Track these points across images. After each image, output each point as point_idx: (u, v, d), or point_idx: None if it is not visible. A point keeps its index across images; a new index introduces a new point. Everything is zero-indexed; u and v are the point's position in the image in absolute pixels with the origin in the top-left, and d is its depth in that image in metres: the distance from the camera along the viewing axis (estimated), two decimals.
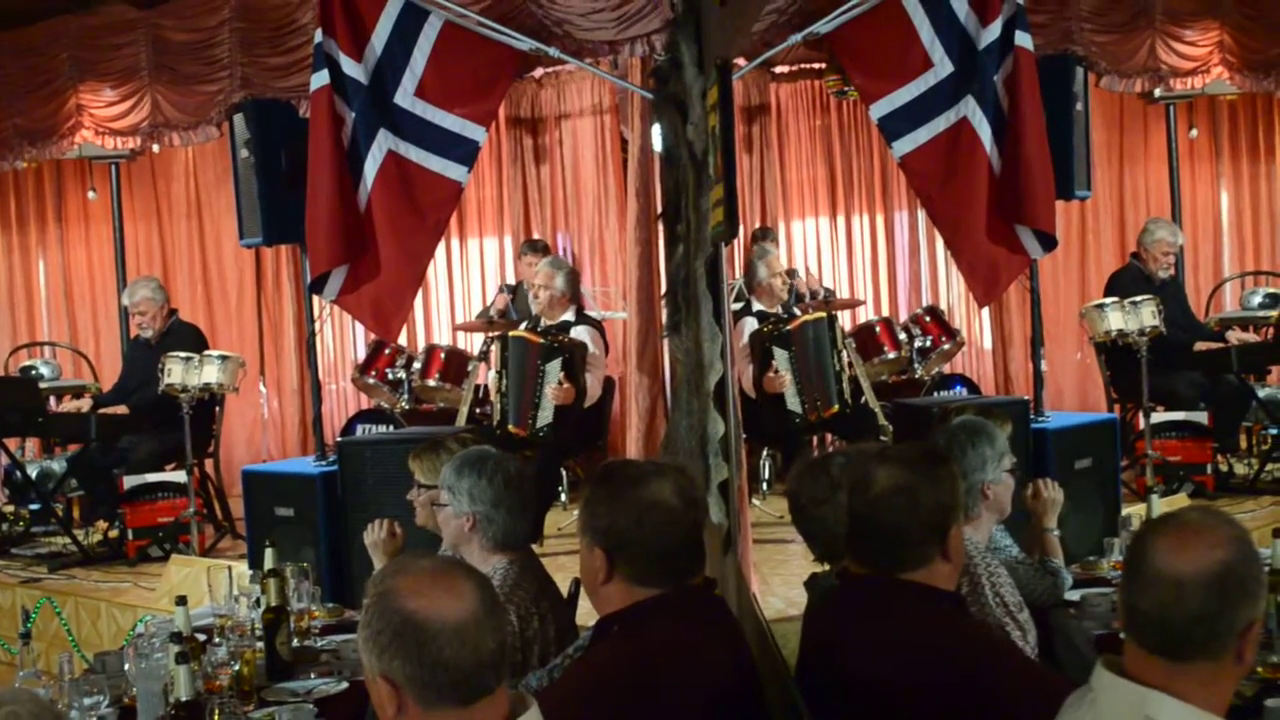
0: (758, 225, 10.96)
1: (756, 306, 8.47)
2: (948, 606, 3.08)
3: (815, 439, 8.54)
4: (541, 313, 8.40)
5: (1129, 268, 9.06)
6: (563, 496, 8.68)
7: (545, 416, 7.88)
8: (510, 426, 7.84)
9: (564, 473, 8.72)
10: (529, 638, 3.79)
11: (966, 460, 3.99)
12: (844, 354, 8.04)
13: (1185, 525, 2.40)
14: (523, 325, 8.55)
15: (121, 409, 8.61)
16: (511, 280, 10.56)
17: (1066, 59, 7.89)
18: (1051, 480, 4.72)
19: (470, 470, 4.05)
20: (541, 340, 8.04)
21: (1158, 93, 9.86)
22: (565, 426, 7.98)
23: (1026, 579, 4.35)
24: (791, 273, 10.19)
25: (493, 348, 8.26)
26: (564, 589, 4.42)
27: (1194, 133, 11.21)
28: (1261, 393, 9.12)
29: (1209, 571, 2.29)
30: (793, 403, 7.94)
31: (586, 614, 3.59)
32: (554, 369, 7.90)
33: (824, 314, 8.21)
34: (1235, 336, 9.00)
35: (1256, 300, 10.42)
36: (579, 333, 8.26)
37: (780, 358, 8.01)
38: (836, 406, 7.90)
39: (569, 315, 8.37)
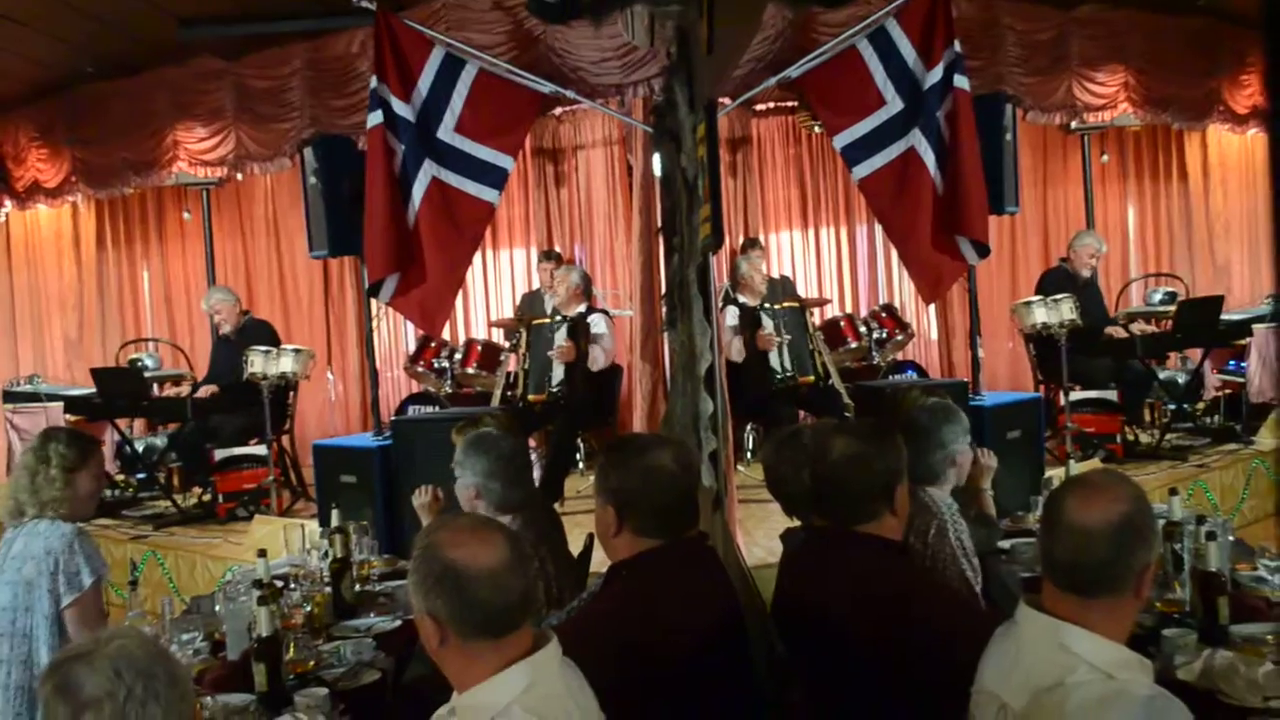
0: (744, 237, 10.95)
1: (740, 299, 8.50)
2: (894, 553, 3.10)
3: (796, 413, 8.56)
4: (561, 306, 8.42)
5: (1057, 269, 9.06)
6: (580, 465, 8.69)
7: (556, 377, 8.05)
8: (530, 395, 7.92)
9: (580, 445, 8.75)
10: (534, 575, 3.82)
11: (943, 434, 3.98)
12: (815, 340, 8.08)
13: (1091, 484, 2.42)
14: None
15: (206, 391, 8.63)
16: (536, 285, 10.55)
17: (998, 97, 7.89)
18: (988, 449, 4.73)
19: (471, 448, 4.12)
20: (551, 320, 8.25)
21: (1074, 125, 9.85)
22: (575, 389, 8.08)
23: (967, 530, 4.36)
24: (783, 279, 10.20)
25: (522, 338, 8.34)
26: (581, 543, 4.45)
27: (1105, 158, 11.21)
28: (1162, 375, 9.15)
29: (1111, 522, 2.31)
30: (776, 362, 8.00)
31: (600, 563, 3.60)
32: (560, 335, 8.11)
33: (799, 304, 8.26)
34: (1139, 328, 9.02)
35: (1157, 298, 10.43)
36: (594, 319, 8.33)
37: (768, 323, 8.10)
38: (812, 377, 7.96)
39: (582, 307, 8.39)
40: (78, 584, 3.84)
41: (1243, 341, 9.14)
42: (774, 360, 8.04)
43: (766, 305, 8.30)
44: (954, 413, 4.16)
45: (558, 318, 8.21)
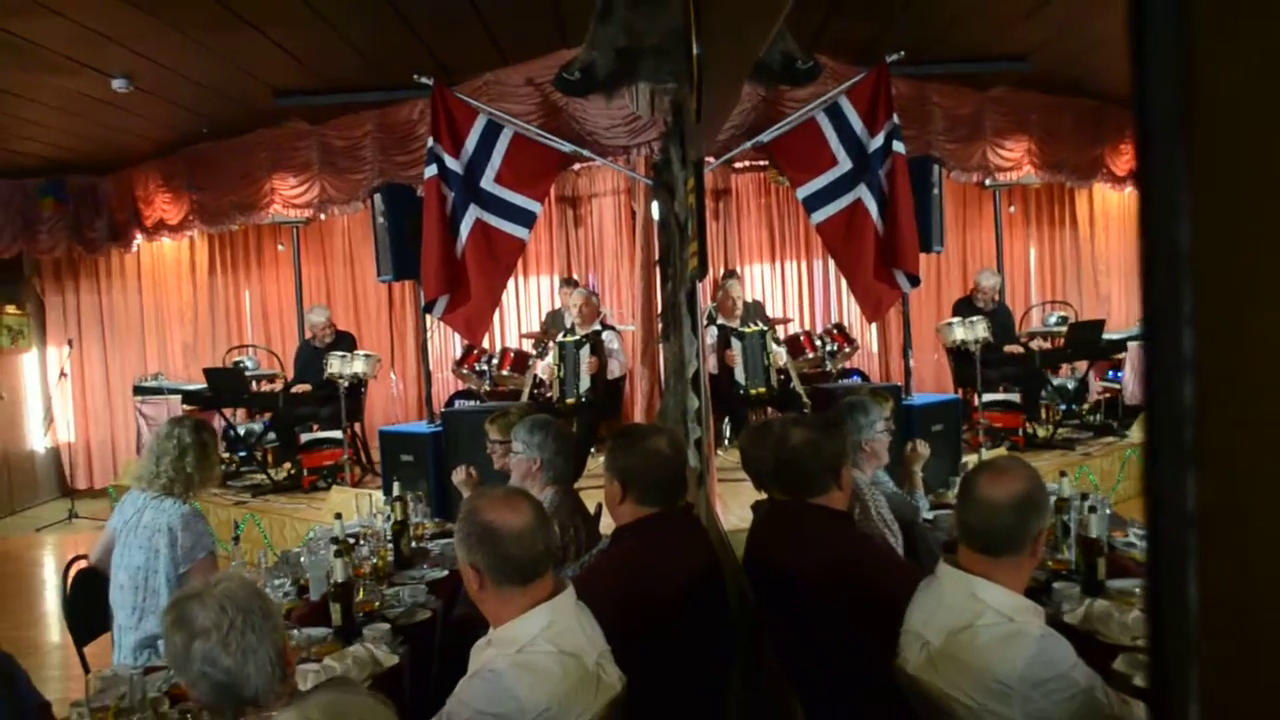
0: (725, 268, 10.95)
1: (720, 320, 8.51)
2: (842, 522, 3.10)
3: (755, 412, 8.57)
4: (579, 323, 8.41)
5: (965, 299, 9.09)
6: (593, 450, 8.69)
7: (584, 384, 8.02)
8: (567, 400, 7.93)
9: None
10: (566, 542, 3.79)
11: (850, 424, 4.00)
12: (772, 356, 8.09)
13: (998, 467, 2.42)
14: (563, 334, 8.59)
15: (300, 388, 8.64)
16: (557, 305, 10.55)
17: (927, 159, 7.91)
18: (923, 441, 4.74)
19: (540, 429, 4.06)
20: (579, 339, 8.18)
21: (988, 182, 9.86)
22: (597, 392, 8.09)
23: (899, 503, 4.36)
24: (757, 304, 10.20)
25: (551, 349, 8.34)
26: (591, 509, 4.46)
27: (1012, 209, 11.23)
28: (1055, 381, 9.15)
29: (1014, 496, 2.32)
30: (739, 375, 8.02)
31: (606, 526, 3.61)
32: (585, 353, 8.08)
33: (758, 329, 8.27)
34: (1036, 344, 9.03)
35: (1052, 320, 10.43)
36: (608, 336, 8.32)
37: (735, 346, 8.10)
38: (764, 389, 7.97)
39: (597, 326, 8.39)
40: (191, 556, 3.85)
41: (1120, 356, 9.16)
42: (737, 373, 8.06)
43: (737, 329, 8.30)
44: (858, 407, 4.14)
45: (580, 338, 8.19)
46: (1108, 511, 3.89)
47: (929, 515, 4.49)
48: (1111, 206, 11.68)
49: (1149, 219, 0.58)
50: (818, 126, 6.75)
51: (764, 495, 3.94)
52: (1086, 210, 11.72)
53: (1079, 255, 11.71)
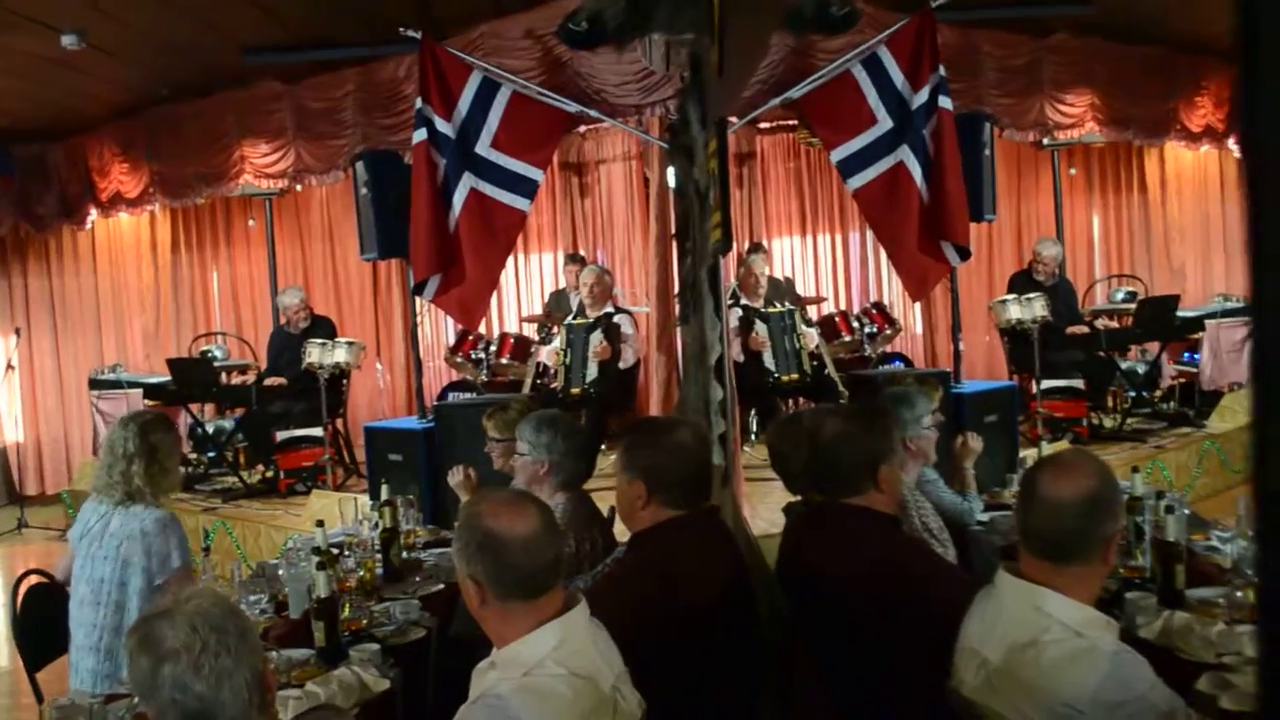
0: (749, 242, 10.94)
1: (744, 301, 8.49)
2: (885, 525, 3.08)
3: (787, 402, 8.56)
4: (589, 305, 8.40)
5: (1022, 273, 9.06)
6: (603, 446, 8.67)
7: (592, 373, 8.02)
8: (573, 390, 7.94)
9: None
10: (582, 556, 3.79)
11: (894, 421, 3.98)
12: (802, 339, 8.08)
13: (1063, 462, 2.42)
14: (570, 317, 8.58)
15: (275, 381, 8.65)
16: (562, 284, 10.54)
17: (978, 117, 7.86)
18: (975, 434, 4.72)
19: (547, 427, 4.05)
20: (590, 321, 8.19)
21: (1045, 142, 9.81)
22: (606, 383, 8.08)
23: (951, 504, 4.35)
24: (787, 281, 10.18)
25: (556, 334, 8.32)
26: (604, 513, 4.45)
27: (1073, 172, 11.18)
28: (1124, 365, 9.11)
29: (1082, 496, 2.30)
30: (769, 362, 8.01)
31: (619, 533, 3.61)
32: (596, 337, 8.08)
33: (787, 308, 8.25)
34: (1101, 324, 8.99)
35: (1120, 297, 10.38)
36: (619, 318, 8.31)
37: (760, 329, 8.10)
38: (796, 375, 7.96)
39: (609, 308, 8.38)
40: (168, 567, 3.87)
41: (1195, 336, 9.11)
42: (765, 359, 8.04)
43: (760, 310, 8.28)
44: (902, 400, 4.13)
45: (591, 320, 8.18)
46: (1186, 512, 3.87)
47: (983, 517, 4.48)
48: (1185, 167, 11.61)
49: (1260, 194, 0.57)
50: (854, 81, 6.71)
51: (798, 498, 3.94)
52: (1157, 172, 11.65)
53: (1149, 223, 11.66)
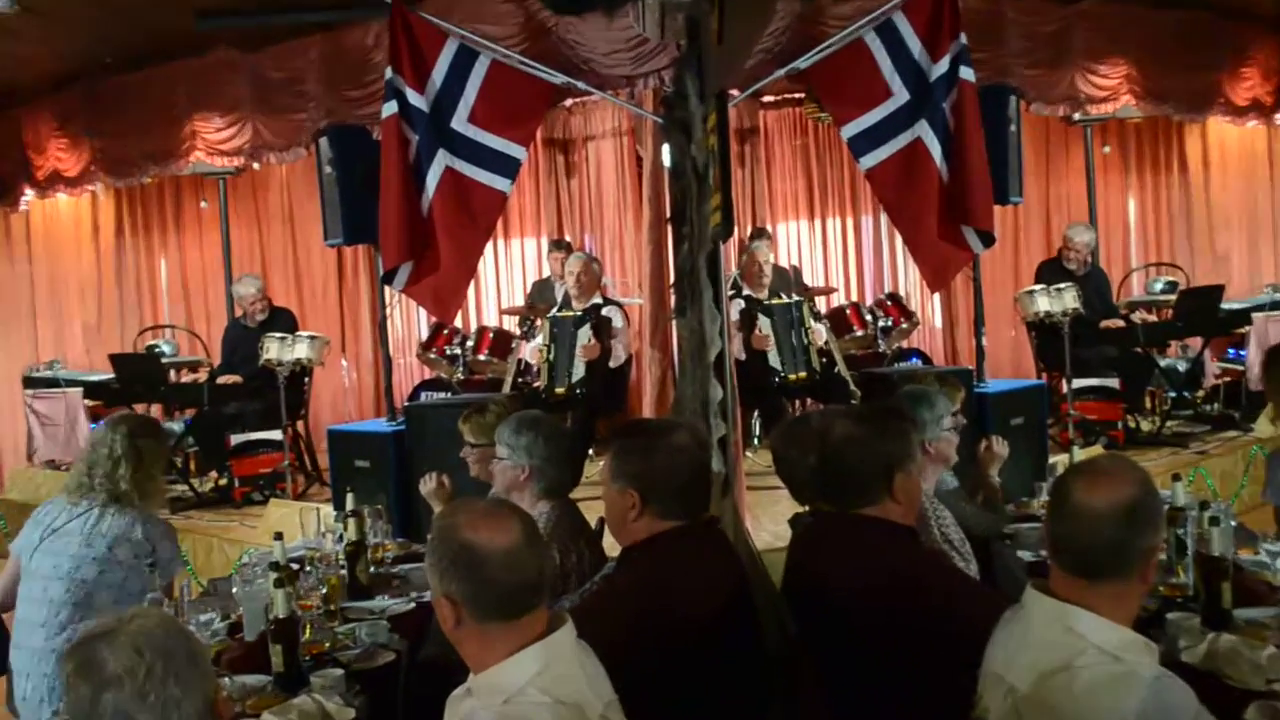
0: (752, 226, 10.94)
1: (746, 291, 8.48)
2: (902, 537, 3.08)
3: (793, 403, 8.55)
4: (576, 296, 8.38)
5: (1052, 261, 9.05)
6: (590, 452, 8.64)
7: (579, 372, 8.00)
8: (557, 389, 7.91)
9: None
10: (568, 569, 3.78)
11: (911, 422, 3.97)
12: (810, 334, 8.07)
13: (1098, 468, 2.41)
14: (554, 309, 8.56)
15: (229, 379, 8.63)
16: (546, 273, 10.53)
17: (1002, 89, 7.85)
18: (1000, 438, 4.72)
19: (528, 429, 4.04)
20: (578, 314, 8.16)
21: (1076, 117, 9.81)
22: (594, 382, 8.05)
23: (973, 515, 4.34)
24: (793, 270, 10.18)
25: (540, 327, 8.30)
26: (592, 524, 4.43)
27: (1107, 149, 11.18)
28: (1162, 363, 9.12)
29: (1117, 506, 2.30)
30: (774, 361, 8.00)
31: (608, 546, 3.60)
32: (584, 333, 8.05)
33: (794, 300, 8.24)
34: (1139, 317, 8.99)
35: (1159, 287, 10.39)
36: (608, 310, 8.30)
37: (764, 323, 8.09)
38: (804, 374, 7.95)
39: (597, 299, 8.37)
40: (169, 571, 3.94)
41: (1241, 330, 9.12)
42: (770, 356, 8.03)
43: (765, 301, 8.27)
44: (920, 400, 4.14)
45: (579, 313, 8.15)
46: (1232, 523, 3.86)
47: (1009, 530, 4.48)
48: (1230, 145, 11.61)
49: None
50: (867, 50, 6.71)
51: (803, 507, 3.94)
52: (1199, 150, 11.66)
53: (1189, 206, 11.67)
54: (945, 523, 3.81)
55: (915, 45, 6.65)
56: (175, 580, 4.04)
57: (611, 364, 8.21)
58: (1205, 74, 9.97)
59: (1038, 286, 8.48)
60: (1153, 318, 9.22)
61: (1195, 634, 3.16)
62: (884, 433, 3.15)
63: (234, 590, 4.12)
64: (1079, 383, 8.36)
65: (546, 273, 10.42)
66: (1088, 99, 9.39)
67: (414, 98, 6.53)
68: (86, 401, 8.76)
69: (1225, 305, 8.98)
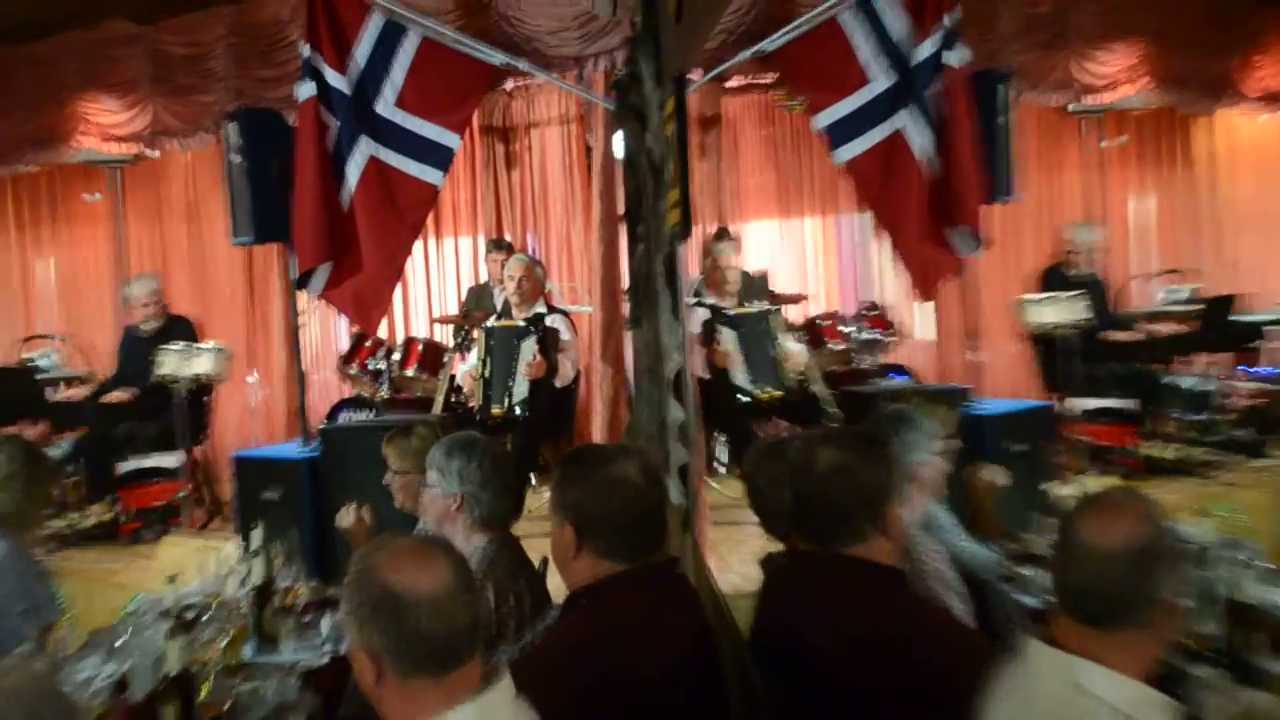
0: (716, 226, 10.96)
1: (709, 300, 8.48)
2: (889, 580, 3.08)
3: (762, 426, 8.54)
4: (516, 304, 8.34)
5: (1056, 265, 9.10)
6: (532, 480, 8.62)
7: (520, 392, 7.92)
8: (493, 409, 7.84)
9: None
10: (504, 613, 3.74)
11: (894, 445, 3.97)
12: (782, 349, 8.06)
13: (1108, 503, 2.44)
14: (492, 318, 8.52)
15: (118, 397, 8.52)
16: (483, 277, 10.51)
17: (992, 75, 7.89)
18: (998, 466, 4.72)
19: (460, 452, 4.01)
20: (518, 324, 8.13)
21: (1074, 106, 9.88)
22: (538, 403, 7.99)
23: (968, 553, 4.34)
24: (761, 276, 10.19)
25: (475, 339, 8.25)
26: (536, 563, 4.39)
27: (1124, 140, 11.24)
28: (1184, 382, 9.14)
29: (1130, 545, 2.32)
30: (741, 380, 7.98)
31: (556, 589, 3.56)
32: (528, 348, 7.98)
33: (761, 308, 8.25)
34: (1160, 329, 9.03)
35: (1182, 295, 10.43)
36: (553, 320, 8.29)
37: (728, 336, 8.08)
38: (778, 392, 7.93)
39: (541, 307, 8.35)
40: (44, 618, 3.90)
41: (1255, 344, 9.17)
42: (736, 374, 8.00)
43: (729, 311, 8.26)
44: (907, 420, 4.17)
45: (521, 324, 8.10)
46: (1267, 565, 3.87)
47: (1009, 570, 4.47)
48: (1240, 139, 11.77)
49: None
50: (842, 30, 6.76)
51: (777, 545, 3.92)
52: (1205, 144, 11.79)
53: (1196, 206, 11.79)
54: (936, 557, 3.80)
55: (896, 26, 6.72)
56: (50, 630, 3.97)
57: (558, 383, 8.17)
58: (1216, 61, 10.08)
59: (1043, 295, 8.52)
60: (1165, 329, 9.22)
61: (1223, 691, 3.15)
62: (871, 460, 3.16)
63: (120, 642, 4.05)
64: (1089, 404, 8.40)
65: (484, 277, 10.40)
66: (1086, 87, 9.47)
67: (334, 78, 6.51)
68: None
69: (1246, 317, 9.04)
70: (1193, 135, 11.79)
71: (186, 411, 8.21)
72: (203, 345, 8.48)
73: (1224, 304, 8.96)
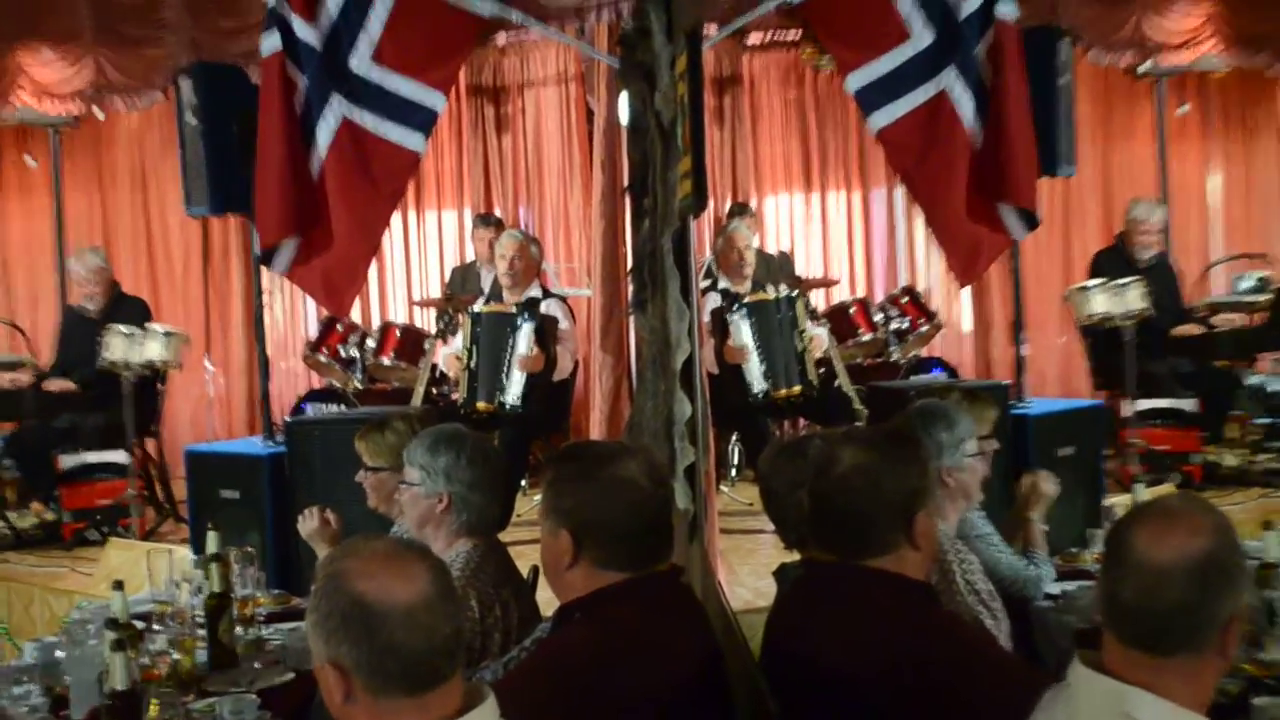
0: (732, 200, 10.97)
1: (722, 284, 8.46)
2: (917, 596, 3.08)
3: (781, 424, 8.56)
4: (508, 287, 8.34)
5: (1112, 248, 9.08)
6: (524, 483, 8.63)
7: (514, 389, 7.91)
8: (479, 404, 7.84)
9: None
10: (489, 625, 3.76)
11: (925, 445, 3.98)
12: (806, 338, 8.04)
13: (1166, 513, 2.41)
14: (480, 301, 8.52)
15: (60, 386, 8.54)
16: (469, 256, 10.52)
17: (1051, 31, 7.89)
18: (1046, 472, 4.73)
19: (447, 448, 4.01)
20: (510, 309, 8.07)
21: (1144, 67, 9.87)
22: (533, 399, 7.99)
23: (1010, 569, 4.36)
24: (783, 256, 10.21)
25: (460, 324, 8.24)
26: (525, 572, 4.42)
27: (1181, 110, 11.23)
28: (1251, 380, 9.15)
29: (1190, 560, 2.29)
30: (755, 374, 7.97)
31: (546, 602, 3.58)
32: (524, 336, 7.93)
33: (784, 293, 8.23)
34: (1223, 321, 9.02)
35: (1246, 285, 10.44)
36: (549, 306, 8.25)
37: (742, 327, 8.05)
38: (797, 388, 7.92)
39: (535, 291, 8.34)
40: None
41: None
42: (750, 367, 7.99)
43: (744, 296, 8.23)
44: (937, 417, 4.16)
45: (514, 309, 8.05)
46: None
47: (1054, 589, 4.50)
48: None
49: None
50: None
51: (797, 555, 3.94)
52: None
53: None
54: (970, 569, 3.82)
55: None
56: None
57: (556, 377, 8.16)
58: None
59: (1094, 282, 8.51)
60: (1236, 321, 9.20)
61: None
62: (902, 462, 3.14)
63: (59, 655, 4.08)
64: (1146, 404, 8.40)
65: (470, 256, 10.42)
66: (1157, 46, 9.45)
67: (302, 30, 6.50)
68: None
69: None
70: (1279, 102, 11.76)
71: (135, 402, 8.22)
72: (154, 328, 8.47)
73: None
